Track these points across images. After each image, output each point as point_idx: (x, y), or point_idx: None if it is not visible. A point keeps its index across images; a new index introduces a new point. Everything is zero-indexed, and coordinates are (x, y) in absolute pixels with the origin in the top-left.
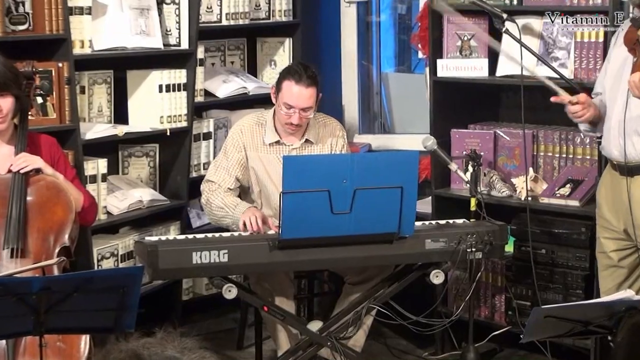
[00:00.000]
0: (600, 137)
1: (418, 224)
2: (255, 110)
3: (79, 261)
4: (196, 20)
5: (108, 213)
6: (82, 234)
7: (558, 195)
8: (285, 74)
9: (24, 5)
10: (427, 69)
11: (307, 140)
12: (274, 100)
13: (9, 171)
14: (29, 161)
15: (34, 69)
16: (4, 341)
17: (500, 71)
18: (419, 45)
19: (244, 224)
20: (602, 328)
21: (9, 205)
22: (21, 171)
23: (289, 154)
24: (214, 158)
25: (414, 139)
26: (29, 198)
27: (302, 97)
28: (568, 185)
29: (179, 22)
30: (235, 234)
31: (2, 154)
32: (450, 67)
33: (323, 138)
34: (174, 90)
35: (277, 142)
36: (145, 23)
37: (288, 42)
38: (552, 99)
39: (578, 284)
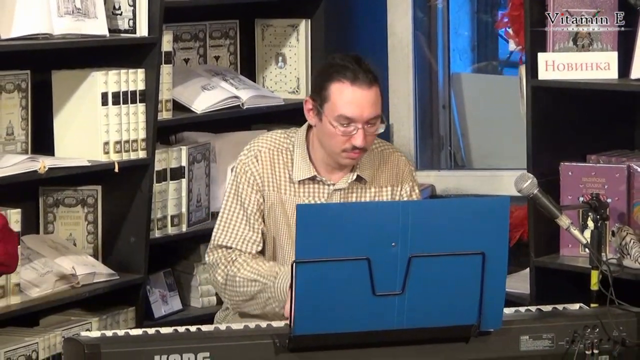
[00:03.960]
0: None
1: (509, 311)
2: (268, 128)
3: None
4: None
5: (22, 294)
6: None
7: None
8: (329, 74)
9: None
10: (523, 68)
11: (359, 178)
12: (311, 120)
13: None
14: None
15: None
16: None
17: (638, 72)
18: (510, 31)
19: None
20: None
21: None
22: None
23: (329, 199)
24: (188, 208)
25: (502, 178)
26: None
27: (366, 103)
28: None
29: None
30: (222, 327)
31: None
32: (558, 66)
33: (381, 176)
34: (126, 102)
35: (313, 179)
36: None
37: (304, 26)
38: None
39: None
